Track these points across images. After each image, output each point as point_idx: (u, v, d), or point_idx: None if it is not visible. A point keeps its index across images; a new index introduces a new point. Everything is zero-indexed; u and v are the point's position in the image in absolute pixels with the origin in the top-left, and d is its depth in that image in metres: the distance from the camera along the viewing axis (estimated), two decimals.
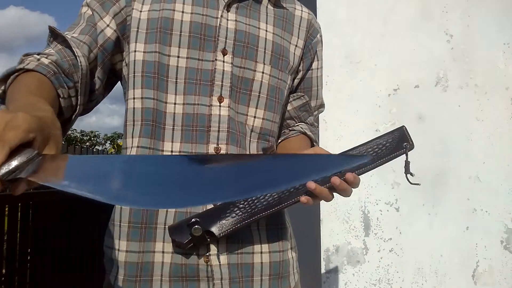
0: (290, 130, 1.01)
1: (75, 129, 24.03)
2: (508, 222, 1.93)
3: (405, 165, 0.81)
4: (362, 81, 1.95)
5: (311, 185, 0.71)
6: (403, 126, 0.82)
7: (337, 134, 1.92)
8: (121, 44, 0.85)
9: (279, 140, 0.98)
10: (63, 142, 3.28)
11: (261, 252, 0.84)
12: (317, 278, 1.86)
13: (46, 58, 0.76)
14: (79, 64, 0.78)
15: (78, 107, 0.78)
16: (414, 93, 1.95)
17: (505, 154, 1.94)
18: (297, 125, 1.01)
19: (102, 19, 0.83)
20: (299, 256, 0.94)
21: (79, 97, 0.78)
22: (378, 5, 1.98)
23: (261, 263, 0.83)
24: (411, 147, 0.80)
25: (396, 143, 0.80)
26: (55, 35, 0.81)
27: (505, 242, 1.92)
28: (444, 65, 1.97)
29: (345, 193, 0.74)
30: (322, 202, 2.05)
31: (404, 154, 0.80)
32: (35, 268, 2.77)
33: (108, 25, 0.83)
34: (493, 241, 1.91)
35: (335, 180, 0.71)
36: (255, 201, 0.76)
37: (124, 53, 0.86)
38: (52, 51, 0.78)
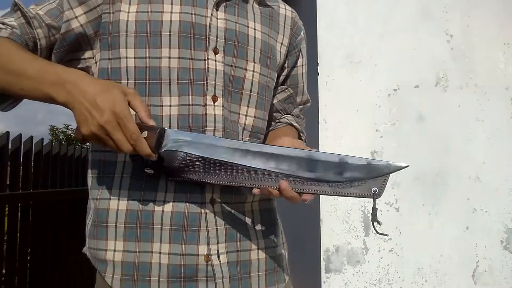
0: (276, 122, 1.03)
1: (75, 129, 23.99)
2: (508, 222, 1.93)
3: (372, 211, 0.75)
4: (362, 81, 1.95)
5: (283, 184, 0.72)
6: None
7: (337, 134, 1.91)
8: (90, 42, 0.83)
9: (267, 131, 1.00)
10: (63, 142, 3.28)
11: (258, 249, 0.85)
12: (317, 278, 1.86)
13: (11, 30, 0.78)
14: (39, 45, 0.80)
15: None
16: (414, 93, 1.95)
17: (505, 154, 1.94)
18: (283, 117, 1.03)
19: (72, 9, 0.81)
20: (299, 256, 0.95)
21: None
22: (378, 5, 1.97)
23: (258, 259, 0.85)
24: (379, 195, 0.74)
25: (369, 180, 0.73)
26: (18, 9, 0.81)
27: (505, 242, 1.92)
28: (444, 65, 1.97)
29: (293, 202, 0.76)
30: (323, 202, 2.03)
31: (372, 199, 0.74)
32: (35, 268, 2.78)
33: (76, 17, 0.81)
34: (493, 241, 1.91)
35: (283, 184, 0.73)
36: (225, 167, 0.76)
37: (95, 50, 0.83)
38: (15, 23, 0.79)
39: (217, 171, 0.76)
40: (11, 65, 0.73)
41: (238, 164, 0.73)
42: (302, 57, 1.02)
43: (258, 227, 0.86)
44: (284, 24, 0.96)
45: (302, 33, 1.01)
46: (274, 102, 1.01)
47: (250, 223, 0.85)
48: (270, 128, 1.01)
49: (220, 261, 0.79)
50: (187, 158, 0.77)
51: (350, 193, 0.74)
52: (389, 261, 1.87)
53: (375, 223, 0.75)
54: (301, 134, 1.03)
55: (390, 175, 0.73)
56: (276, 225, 0.91)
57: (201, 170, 0.77)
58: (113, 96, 0.68)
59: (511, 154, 1.95)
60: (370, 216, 0.75)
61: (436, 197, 1.91)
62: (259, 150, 0.72)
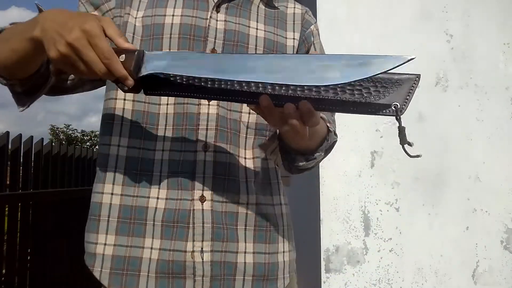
0: None
1: (75, 129, 24.08)
2: (508, 222, 1.93)
3: (399, 133, 0.61)
4: None
5: (264, 101, 0.64)
6: (418, 76, 0.61)
7: (337, 134, 1.91)
8: None
9: None
10: (63, 142, 3.28)
11: (245, 252, 0.83)
12: (317, 278, 1.86)
13: None
14: None
15: (51, 78, 0.80)
16: (414, 93, 1.95)
17: (505, 154, 1.94)
18: None
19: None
20: (299, 256, 0.93)
21: (50, 65, 0.79)
22: (378, 5, 1.98)
23: (245, 263, 0.82)
24: (401, 110, 0.60)
25: (390, 94, 0.59)
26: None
27: (505, 242, 1.92)
28: (444, 65, 1.97)
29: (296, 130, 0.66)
30: (323, 202, 2.02)
31: (394, 117, 0.60)
32: (35, 268, 2.78)
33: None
34: (493, 241, 1.91)
35: (289, 107, 0.63)
36: (213, 82, 0.67)
37: None
38: None
39: (208, 85, 0.67)
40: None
41: (227, 80, 0.65)
42: (316, 51, 0.98)
43: (250, 230, 0.84)
44: (294, 21, 0.95)
45: (312, 27, 0.98)
46: None
47: (242, 225, 0.83)
48: None
49: (202, 259, 0.78)
50: (172, 78, 0.69)
51: (365, 110, 0.60)
52: (389, 261, 1.87)
53: (406, 145, 0.59)
54: (328, 124, 0.90)
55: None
56: (273, 231, 0.87)
57: (188, 84, 0.68)
58: (84, 17, 0.64)
59: (511, 154, 1.95)
60: (399, 139, 0.59)
61: (436, 197, 1.91)
62: (249, 62, 0.63)
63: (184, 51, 0.79)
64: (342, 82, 0.57)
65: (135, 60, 0.64)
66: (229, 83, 0.66)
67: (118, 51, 0.64)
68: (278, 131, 0.91)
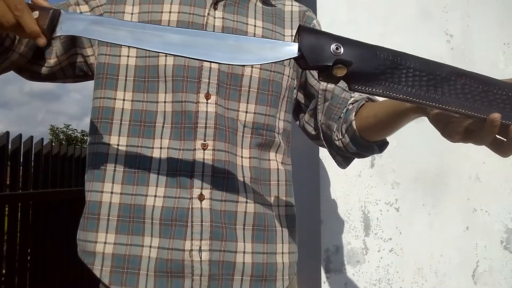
0: (352, 104, 0.91)
1: (75, 129, 24.08)
2: (508, 222, 1.93)
3: None
4: None
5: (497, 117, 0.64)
6: None
7: None
8: (90, 39, 0.85)
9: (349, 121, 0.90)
10: (63, 142, 3.28)
11: (244, 252, 0.82)
12: (317, 278, 1.86)
13: None
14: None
15: (12, 52, 0.78)
16: None
17: None
18: (351, 100, 0.92)
19: (79, 5, 0.86)
20: (299, 256, 0.93)
21: (16, 42, 0.77)
22: (378, 5, 1.97)
23: (243, 263, 0.82)
24: None
25: None
26: None
27: (505, 242, 1.92)
28: None
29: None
30: (322, 202, 2.03)
31: None
32: (35, 268, 2.78)
33: (81, 13, 0.85)
34: (493, 241, 1.91)
35: None
36: (443, 84, 0.62)
37: (94, 47, 0.86)
38: None
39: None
40: None
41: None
42: None
43: (249, 229, 0.84)
44: (291, 18, 0.95)
45: (314, 21, 0.98)
46: (329, 103, 0.93)
47: (240, 225, 0.83)
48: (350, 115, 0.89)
49: (201, 258, 0.78)
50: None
51: None
52: (389, 261, 1.87)
53: None
54: None
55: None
56: (271, 231, 0.87)
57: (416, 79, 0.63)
58: None
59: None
60: None
61: (436, 197, 1.91)
62: (166, 34, 0.63)
63: (107, 17, 0.78)
64: (256, 63, 0.64)
65: (49, 18, 0.61)
66: None
67: (33, 7, 0.62)
68: (280, 131, 0.91)
